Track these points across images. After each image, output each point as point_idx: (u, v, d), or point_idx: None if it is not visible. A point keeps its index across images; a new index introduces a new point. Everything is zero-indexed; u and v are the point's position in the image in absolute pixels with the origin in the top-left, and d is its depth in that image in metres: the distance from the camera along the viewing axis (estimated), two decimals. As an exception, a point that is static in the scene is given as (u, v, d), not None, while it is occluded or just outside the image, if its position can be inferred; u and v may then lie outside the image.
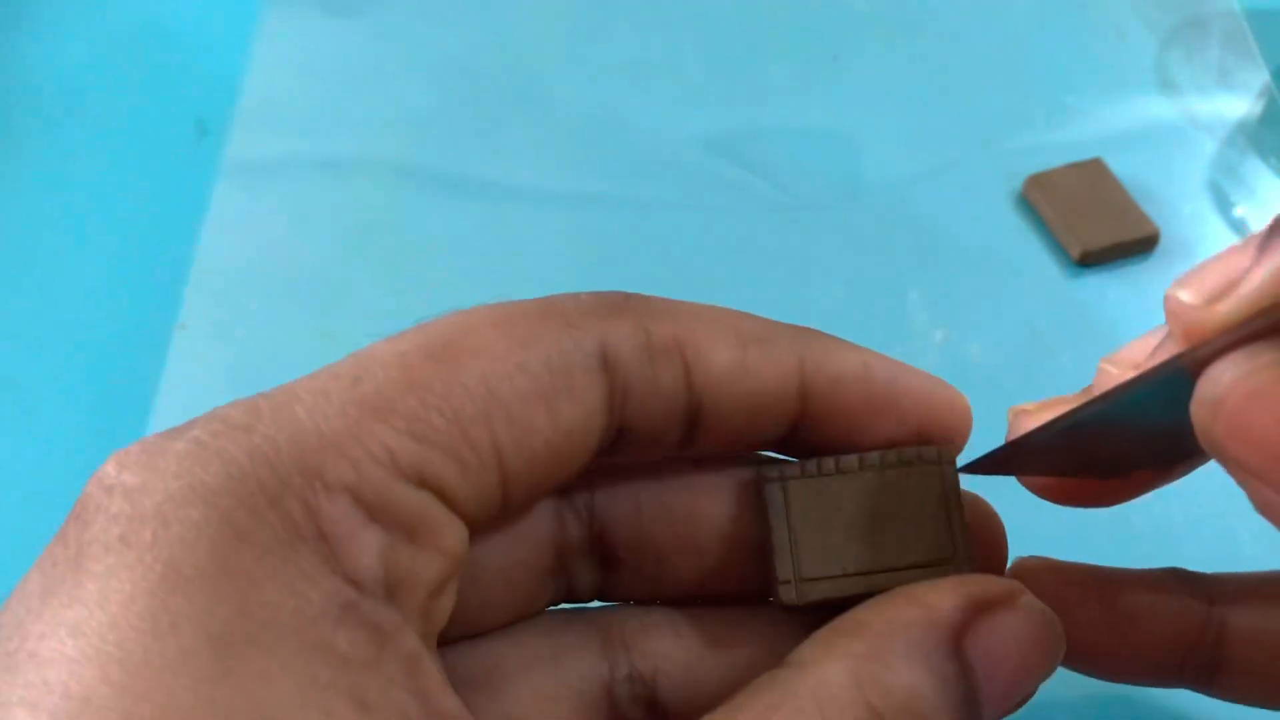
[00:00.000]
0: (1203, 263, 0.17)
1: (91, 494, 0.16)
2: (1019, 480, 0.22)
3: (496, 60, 0.48)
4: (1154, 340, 0.19)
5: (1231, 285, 0.16)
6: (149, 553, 0.15)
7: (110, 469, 0.16)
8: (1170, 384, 0.16)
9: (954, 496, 0.20)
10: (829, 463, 0.20)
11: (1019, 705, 0.19)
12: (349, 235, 0.42)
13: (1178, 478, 0.21)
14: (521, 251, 0.41)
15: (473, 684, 0.20)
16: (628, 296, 0.20)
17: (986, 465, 0.21)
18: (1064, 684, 0.27)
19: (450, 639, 0.20)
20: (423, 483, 0.17)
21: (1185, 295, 0.17)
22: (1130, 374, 0.19)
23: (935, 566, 0.20)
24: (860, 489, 0.20)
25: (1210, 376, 0.15)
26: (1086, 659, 0.21)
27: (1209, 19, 0.49)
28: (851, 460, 0.20)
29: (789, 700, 0.17)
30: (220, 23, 0.49)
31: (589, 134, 0.45)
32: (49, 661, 0.14)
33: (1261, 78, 0.47)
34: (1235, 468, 0.16)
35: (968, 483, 0.21)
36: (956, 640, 0.18)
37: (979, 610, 0.18)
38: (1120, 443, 0.19)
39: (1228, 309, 0.16)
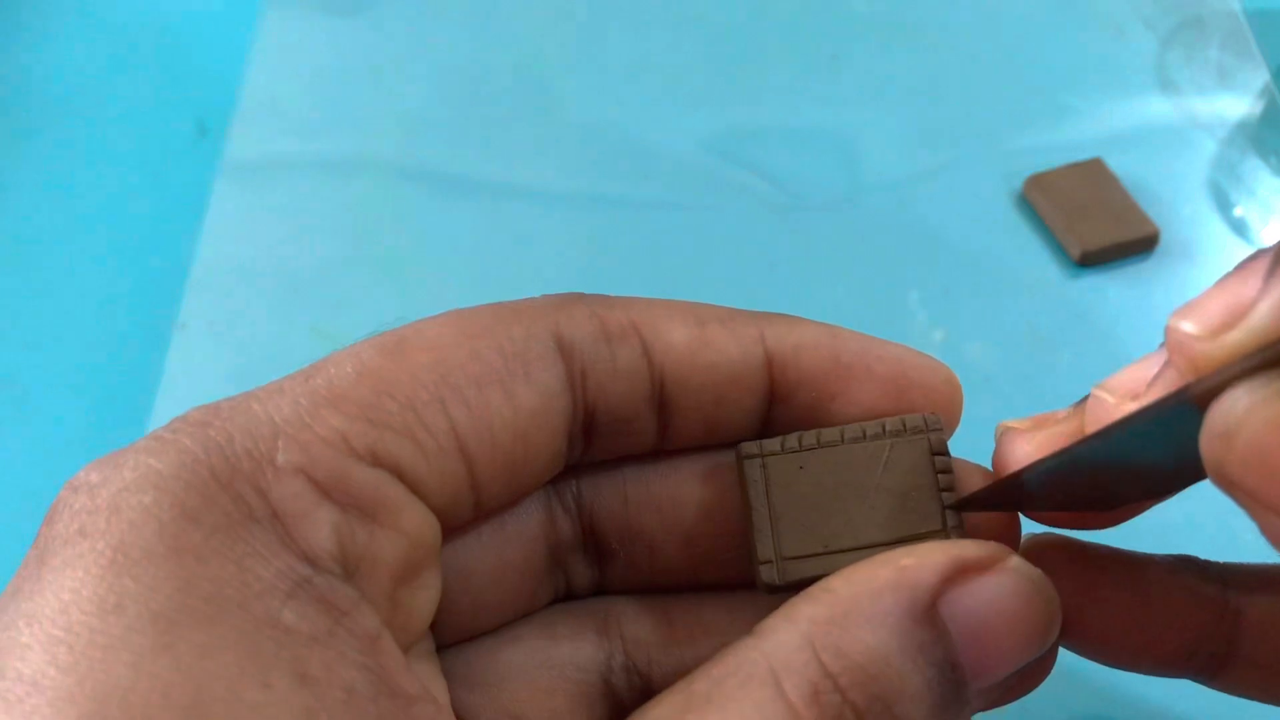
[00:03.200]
0: (1204, 292, 0.17)
1: (61, 496, 0.16)
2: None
3: (497, 60, 0.48)
4: (1149, 366, 0.19)
5: (1236, 315, 0.16)
6: (101, 539, 0.15)
7: (80, 473, 0.16)
8: (1174, 417, 0.16)
9: (943, 465, 0.20)
10: (810, 437, 0.20)
11: (1019, 683, 0.19)
12: (349, 235, 0.42)
13: (1165, 500, 0.21)
14: (521, 251, 0.41)
15: (470, 682, 0.20)
16: (581, 294, 0.20)
17: (978, 503, 0.20)
18: (1059, 681, 0.27)
19: (451, 641, 0.20)
20: (377, 461, 0.17)
21: (1189, 326, 0.16)
22: (1128, 404, 0.18)
23: (923, 540, 0.19)
24: (843, 462, 0.19)
25: (1222, 407, 0.15)
26: (1096, 642, 0.21)
27: (1209, 19, 0.49)
28: (834, 433, 0.20)
29: (743, 667, 0.17)
30: (220, 23, 0.49)
31: (589, 134, 0.45)
32: (5, 650, 0.15)
33: (1261, 78, 0.47)
34: (1249, 500, 0.15)
35: (972, 457, 0.21)
36: (930, 604, 0.17)
37: (959, 573, 0.18)
38: (1117, 476, 0.19)
39: (1236, 340, 0.16)
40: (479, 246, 0.42)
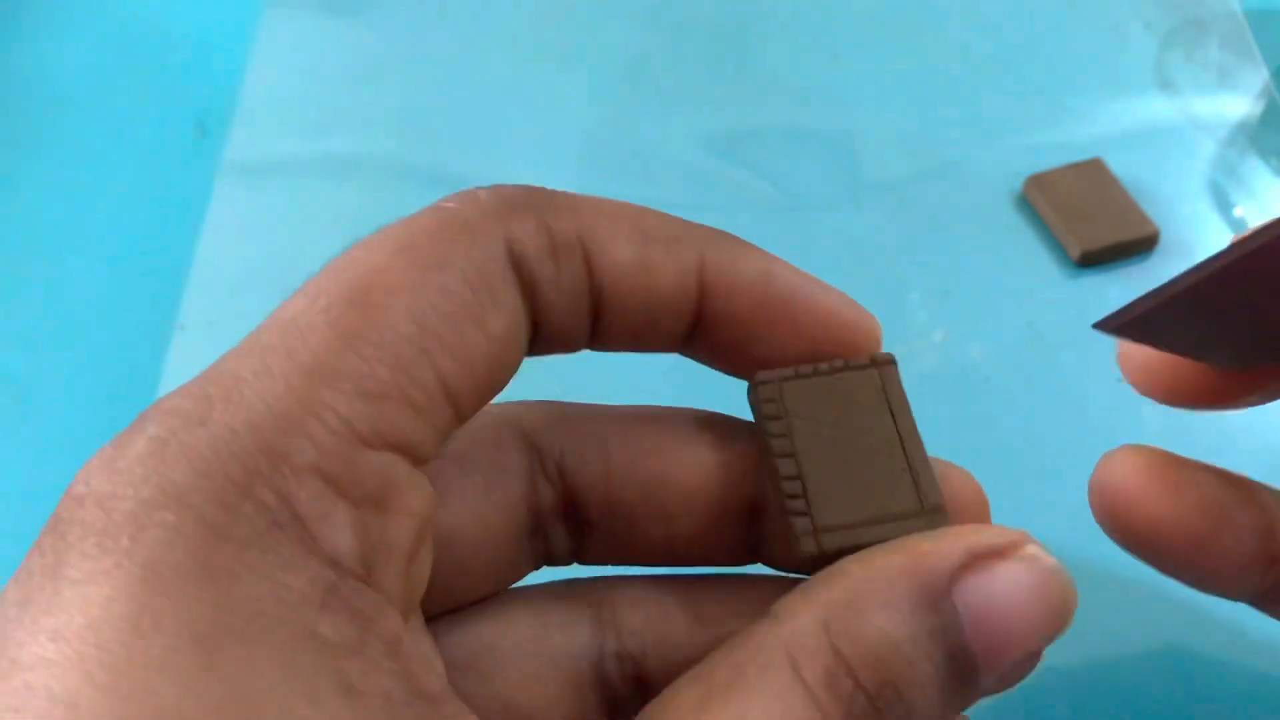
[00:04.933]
0: None
1: (65, 505, 0.16)
2: (1124, 374, 0.21)
3: (496, 60, 0.48)
4: None
5: None
6: (126, 557, 0.15)
7: (79, 480, 0.16)
8: None
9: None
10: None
11: (1025, 669, 0.18)
12: (349, 235, 0.42)
13: None
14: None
15: (463, 667, 0.20)
16: (530, 192, 0.19)
17: (1115, 323, 0.19)
18: (1059, 680, 0.27)
19: (434, 613, 0.20)
20: (383, 442, 0.17)
21: None
22: None
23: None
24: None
25: None
26: (1176, 552, 0.21)
27: (1209, 19, 0.49)
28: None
29: (761, 653, 0.17)
30: (220, 23, 0.49)
31: (589, 134, 0.45)
32: (31, 667, 0.14)
33: (1261, 78, 0.47)
34: None
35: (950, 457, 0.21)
36: (942, 590, 0.17)
37: (974, 560, 0.17)
38: (1255, 314, 0.17)
39: None
40: (479, 246, 0.42)
